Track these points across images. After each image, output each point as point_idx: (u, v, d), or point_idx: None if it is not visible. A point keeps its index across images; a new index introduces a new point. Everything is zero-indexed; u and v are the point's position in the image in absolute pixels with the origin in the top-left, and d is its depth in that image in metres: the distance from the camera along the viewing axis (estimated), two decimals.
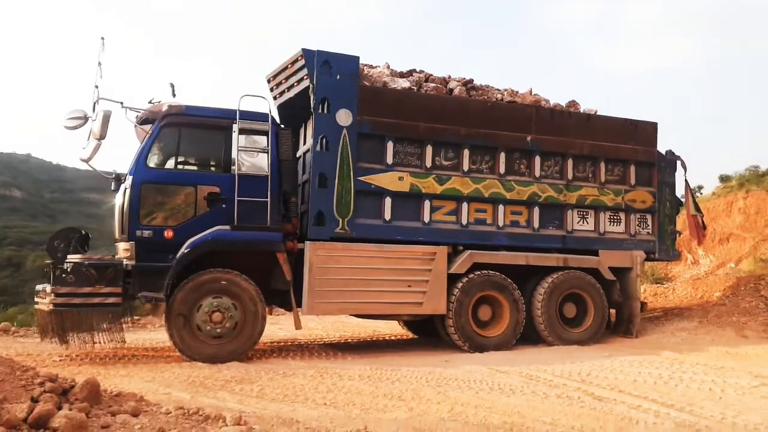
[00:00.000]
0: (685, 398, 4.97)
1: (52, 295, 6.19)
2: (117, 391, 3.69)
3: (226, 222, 6.82)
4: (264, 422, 3.86)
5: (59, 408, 2.85)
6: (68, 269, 6.26)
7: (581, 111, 8.93)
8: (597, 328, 8.47)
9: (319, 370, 6.17)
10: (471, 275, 7.87)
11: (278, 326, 10.28)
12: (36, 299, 6.65)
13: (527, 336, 8.21)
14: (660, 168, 9.15)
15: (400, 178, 7.67)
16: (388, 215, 7.60)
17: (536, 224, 8.33)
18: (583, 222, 8.62)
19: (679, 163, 9.47)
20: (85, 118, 6.59)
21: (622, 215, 8.83)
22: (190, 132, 6.97)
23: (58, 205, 58.85)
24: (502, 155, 8.18)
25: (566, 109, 8.85)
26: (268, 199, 6.95)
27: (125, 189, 6.65)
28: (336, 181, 7.34)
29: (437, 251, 7.72)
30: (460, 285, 7.80)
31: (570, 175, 8.52)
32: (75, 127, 6.56)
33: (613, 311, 8.96)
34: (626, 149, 8.84)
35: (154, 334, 9.61)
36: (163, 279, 6.51)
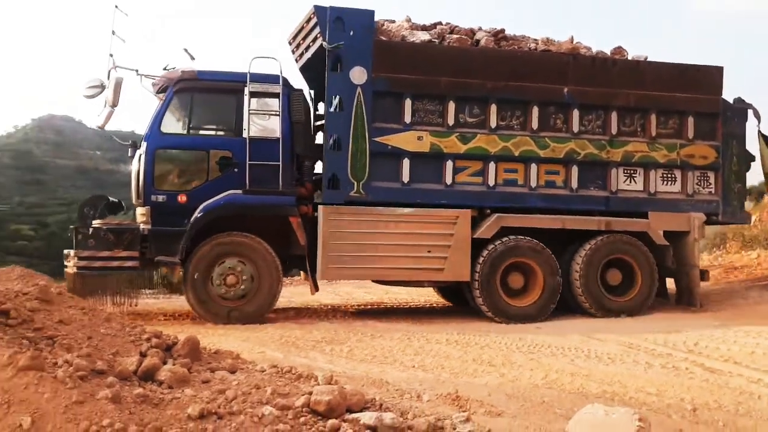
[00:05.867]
0: None
1: (75, 258, 6.51)
2: (215, 348, 3.82)
3: (238, 186, 6.83)
4: (354, 382, 3.91)
5: (164, 363, 2.99)
6: (89, 234, 6.54)
7: (628, 58, 8.03)
8: (645, 297, 7.72)
9: (406, 333, 6.24)
10: (499, 240, 7.40)
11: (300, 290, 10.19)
12: (65, 263, 7.04)
13: (566, 305, 7.66)
14: (726, 118, 8.07)
15: (419, 138, 7.28)
16: (406, 177, 7.27)
17: (575, 184, 7.66)
18: (630, 181, 7.82)
19: (750, 112, 8.31)
20: (102, 87, 6.78)
21: (678, 173, 7.91)
22: (202, 96, 7.02)
23: None
24: (535, 109, 7.54)
25: (610, 57, 7.99)
26: (280, 163, 6.86)
27: (140, 155, 6.81)
28: (350, 142, 7.09)
29: (460, 215, 7.30)
30: (486, 251, 7.36)
31: (614, 130, 7.72)
32: (93, 96, 6.77)
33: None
34: (683, 99, 7.85)
35: None
36: (179, 243, 6.65)
